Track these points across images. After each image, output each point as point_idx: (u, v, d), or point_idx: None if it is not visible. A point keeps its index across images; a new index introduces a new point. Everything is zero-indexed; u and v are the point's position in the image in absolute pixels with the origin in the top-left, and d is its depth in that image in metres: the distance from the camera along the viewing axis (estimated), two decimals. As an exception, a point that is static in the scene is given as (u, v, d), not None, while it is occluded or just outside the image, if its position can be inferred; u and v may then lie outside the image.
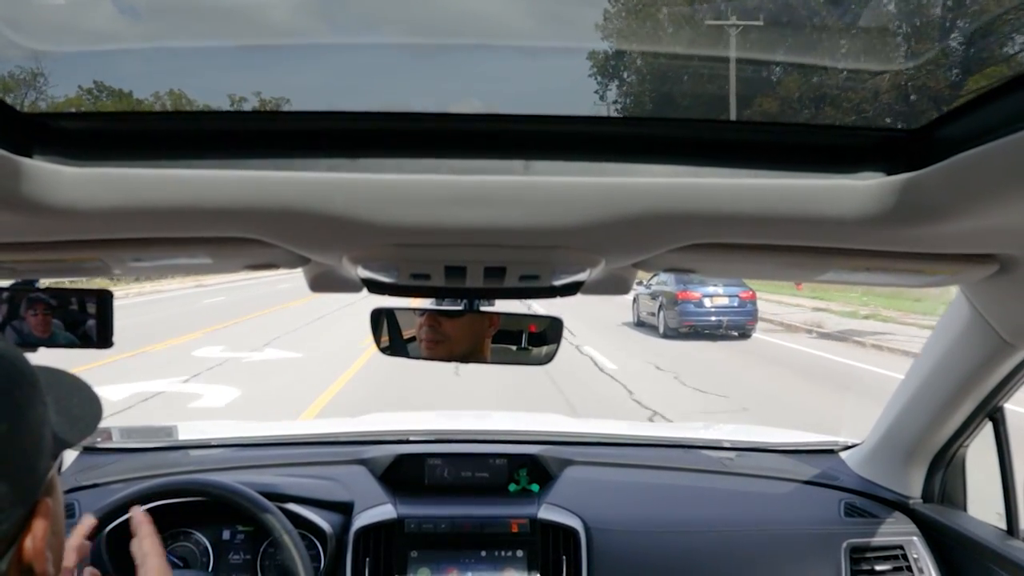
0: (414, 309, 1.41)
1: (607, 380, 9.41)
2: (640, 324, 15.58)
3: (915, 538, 1.68)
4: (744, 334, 14.03)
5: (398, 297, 1.28)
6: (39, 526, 0.61)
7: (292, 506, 1.64)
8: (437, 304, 1.41)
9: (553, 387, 8.46)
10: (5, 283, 1.28)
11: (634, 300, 15.83)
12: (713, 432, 2.37)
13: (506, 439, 2.02)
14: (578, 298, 1.28)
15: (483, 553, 1.67)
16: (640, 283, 14.64)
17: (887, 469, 1.80)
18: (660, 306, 14.35)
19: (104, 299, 1.30)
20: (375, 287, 1.21)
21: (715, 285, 13.62)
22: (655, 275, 14.57)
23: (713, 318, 13.69)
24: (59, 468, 0.65)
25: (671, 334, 13.87)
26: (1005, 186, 0.74)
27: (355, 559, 1.64)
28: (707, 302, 13.68)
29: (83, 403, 0.74)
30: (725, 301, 13.75)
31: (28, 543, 0.60)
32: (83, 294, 1.29)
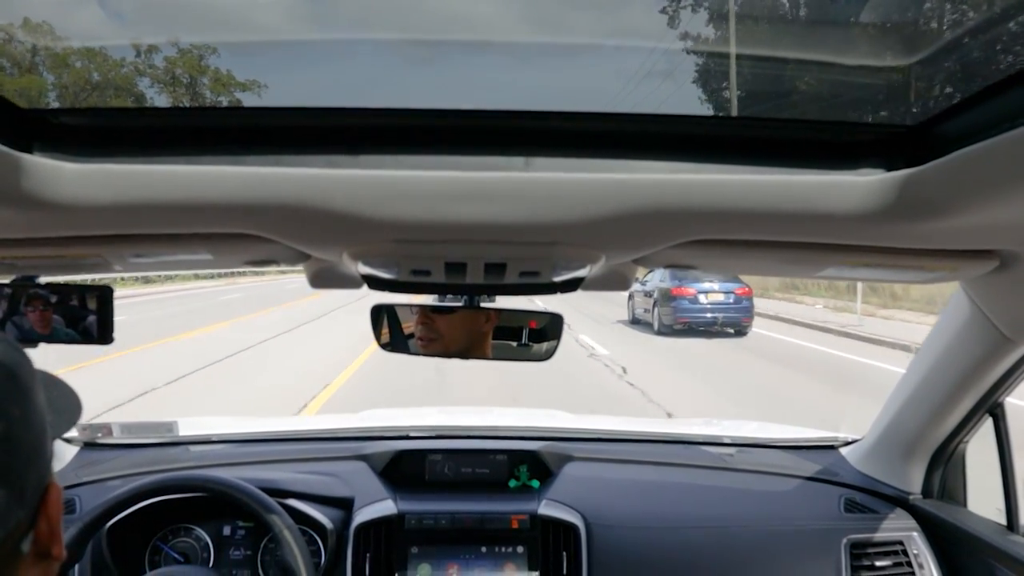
0: (414, 305, 1.41)
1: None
2: (635, 321, 15.39)
3: (915, 534, 1.68)
4: (740, 331, 13.81)
5: (400, 293, 1.28)
6: (53, 509, 0.62)
7: (292, 502, 1.65)
8: (440, 301, 1.41)
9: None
10: (5, 279, 1.28)
11: (629, 297, 15.70)
12: (713, 428, 2.37)
13: (506, 435, 2.02)
14: (573, 294, 1.28)
15: (483, 549, 1.67)
16: (636, 279, 14.46)
17: (887, 465, 1.80)
18: (655, 303, 14.14)
19: (104, 295, 1.30)
20: (375, 283, 1.21)
21: (710, 281, 13.45)
22: (651, 271, 14.50)
23: (708, 315, 13.45)
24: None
25: (665, 331, 13.65)
26: (1005, 182, 0.74)
27: (355, 555, 1.64)
28: (702, 298, 13.46)
29: (63, 396, 0.75)
30: (720, 298, 13.50)
31: (44, 526, 0.61)
32: (84, 290, 1.29)
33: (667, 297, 13.64)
